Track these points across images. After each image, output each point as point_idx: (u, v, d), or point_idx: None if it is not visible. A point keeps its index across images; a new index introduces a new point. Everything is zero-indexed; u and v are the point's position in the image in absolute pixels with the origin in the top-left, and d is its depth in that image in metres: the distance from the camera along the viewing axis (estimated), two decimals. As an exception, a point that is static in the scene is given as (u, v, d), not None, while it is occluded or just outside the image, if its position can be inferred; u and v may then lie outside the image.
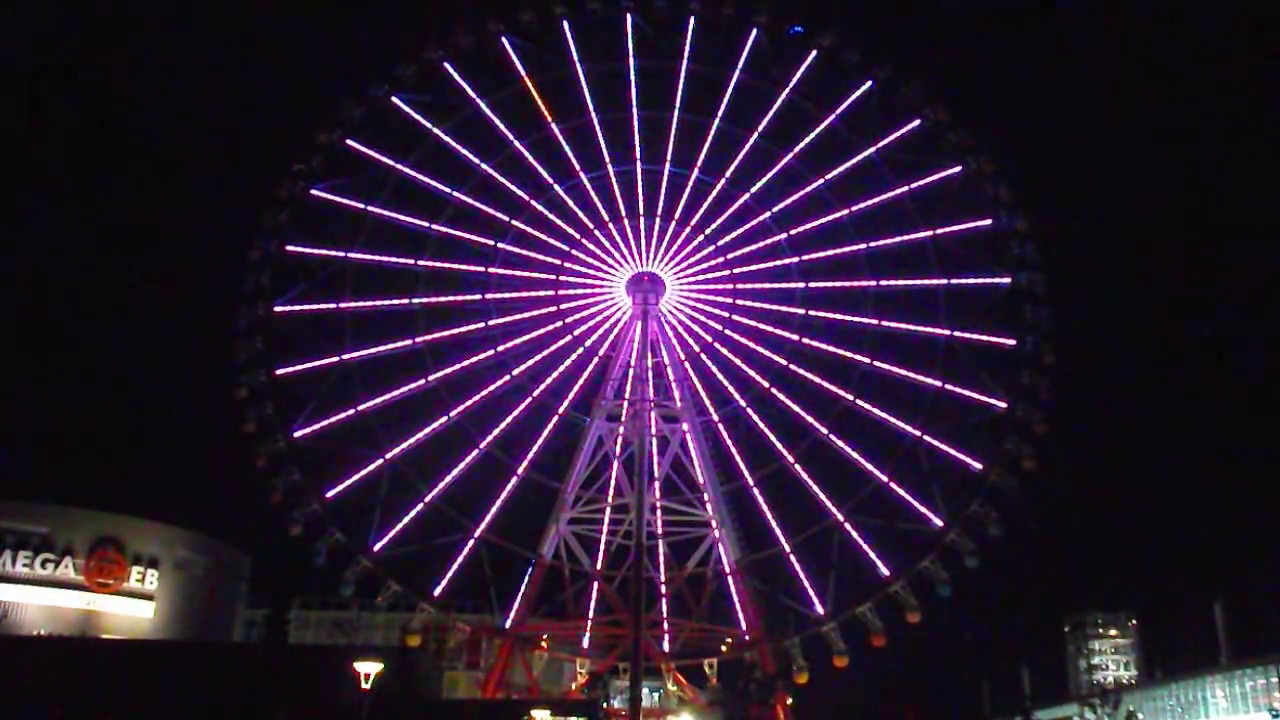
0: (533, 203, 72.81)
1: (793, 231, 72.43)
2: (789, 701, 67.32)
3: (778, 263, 72.21)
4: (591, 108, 73.64)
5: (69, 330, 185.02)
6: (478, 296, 71.52)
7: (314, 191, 71.00)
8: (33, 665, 49.88)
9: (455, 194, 72.17)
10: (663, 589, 70.51)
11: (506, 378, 70.05)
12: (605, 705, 68.45)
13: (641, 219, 73.22)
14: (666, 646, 70.48)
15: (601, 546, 70.65)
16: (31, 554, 64.87)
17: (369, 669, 38.62)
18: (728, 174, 73.20)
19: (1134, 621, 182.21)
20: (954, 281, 70.09)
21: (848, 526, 66.46)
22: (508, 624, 67.97)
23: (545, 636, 70.60)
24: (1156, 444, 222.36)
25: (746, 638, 68.12)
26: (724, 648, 70.32)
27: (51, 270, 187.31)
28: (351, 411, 67.71)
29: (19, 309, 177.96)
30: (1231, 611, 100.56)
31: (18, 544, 64.77)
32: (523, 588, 68.23)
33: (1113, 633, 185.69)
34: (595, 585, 70.17)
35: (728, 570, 69.16)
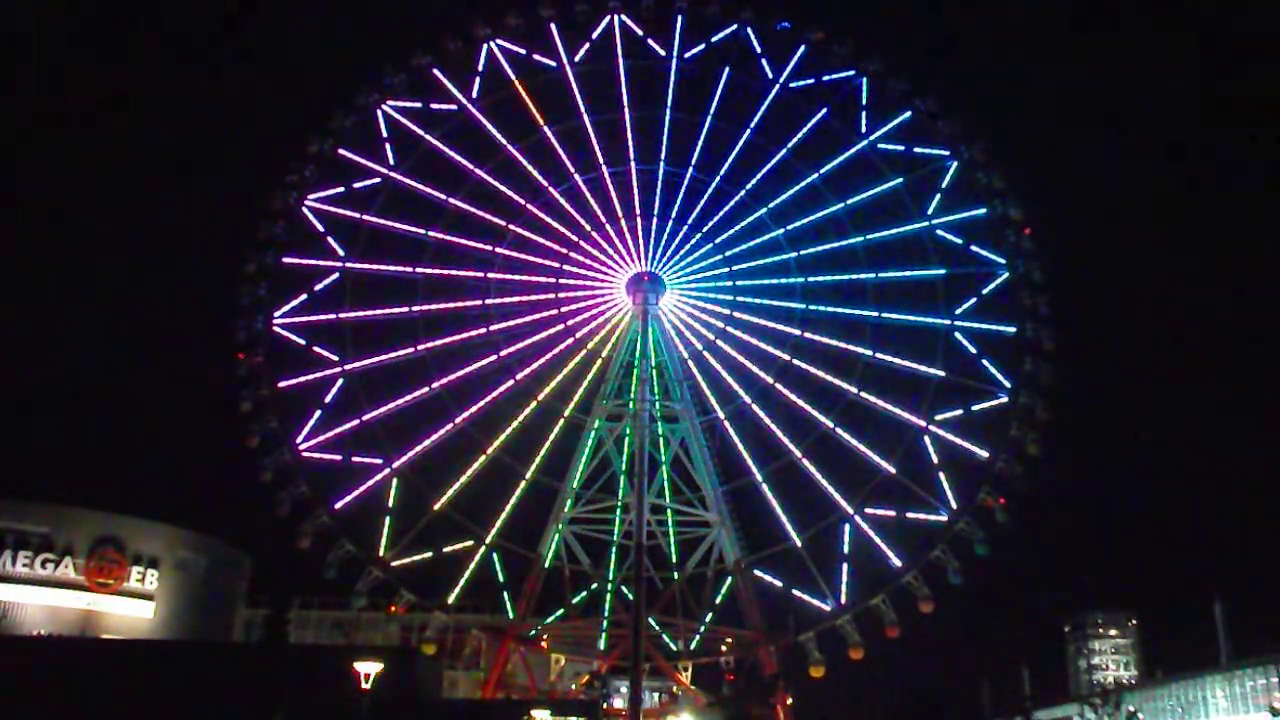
0: (529, 206, 72.70)
1: (790, 227, 72.66)
2: (789, 701, 67.21)
3: (776, 258, 72.34)
4: (583, 109, 73.97)
5: (68, 330, 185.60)
6: (478, 302, 71.30)
7: (308, 202, 70.86)
8: (33, 665, 49.77)
9: (450, 200, 72.10)
10: (662, 587, 70.36)
11: (510, 382, 69.87)
12: (605, 705, 68.45)
13: (639, 219, 73.20)
14: (673, 646, 70.38)
15: (614, 545, 70.48)
16: (31, 554, 64.83)
17: (369, 669, 38.65)
18: (722, 172, 73.40)
19: (1134, 621, 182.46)
20: (952, 271, 70.50)
21: (858, 519, 66.60)
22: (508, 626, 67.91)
23: (544, 637, 70.48)
24: (1156, 443, 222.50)
25: (755, 636, 68.04)
26: (724, 648, 70.25)
27: (52, 273, 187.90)
28: (356, 422, 67.53)
29: (20, 310, 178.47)
30: (1231, 611, 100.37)
31: (18, 544, 64.77)
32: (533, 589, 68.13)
33: (1113, 633, 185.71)
34: (596, 585, 70.07)
35: (729, 569, 69.10)
